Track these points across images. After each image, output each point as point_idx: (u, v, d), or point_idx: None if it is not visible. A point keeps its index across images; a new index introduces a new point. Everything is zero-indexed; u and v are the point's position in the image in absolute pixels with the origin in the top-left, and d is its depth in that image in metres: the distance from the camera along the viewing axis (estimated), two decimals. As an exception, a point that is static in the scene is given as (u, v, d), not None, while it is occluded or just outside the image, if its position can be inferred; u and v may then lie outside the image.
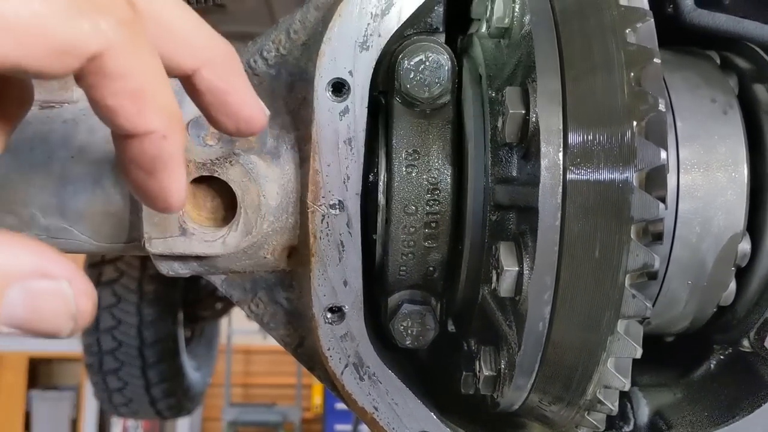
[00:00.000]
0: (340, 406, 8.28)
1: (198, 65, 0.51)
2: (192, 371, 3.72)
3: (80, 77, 0.43)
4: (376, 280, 0.82)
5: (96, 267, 3.28)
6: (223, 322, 5.40)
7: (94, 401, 7.13)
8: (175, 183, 0.50)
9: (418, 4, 0.72)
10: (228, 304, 3.89)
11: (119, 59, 0.42)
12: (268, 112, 0.56)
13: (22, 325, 0.40)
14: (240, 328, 8.43)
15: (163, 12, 0.48)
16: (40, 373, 8.87)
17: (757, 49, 0.80)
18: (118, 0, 0.42)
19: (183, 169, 0.50)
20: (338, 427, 8.50)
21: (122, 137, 0.47)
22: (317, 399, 9.01)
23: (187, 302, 3.62)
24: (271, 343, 0.89)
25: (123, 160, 0.49)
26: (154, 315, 3.30)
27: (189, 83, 0.52)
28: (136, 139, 0.46)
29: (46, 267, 0.40)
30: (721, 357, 0.87)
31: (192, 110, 0.76)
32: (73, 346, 3.50)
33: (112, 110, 0.44)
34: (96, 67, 0.42)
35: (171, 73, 0.50)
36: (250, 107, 0.54)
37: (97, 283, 3.26)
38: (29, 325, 0.41)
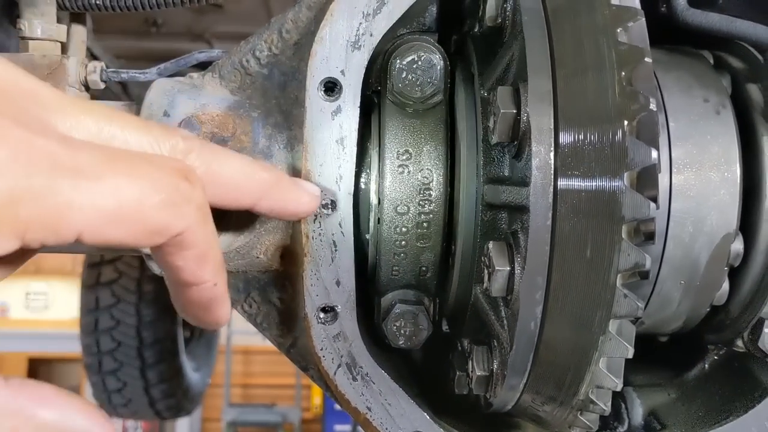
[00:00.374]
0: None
1: (254, 201, 0.63)
2: (191, 372, 3.71)
3: (157, 246, 0.53)
4: (369, 280, 0.81)
5: (95, 267, 3.28)
6: (223, 322, 5.39)
7: (93, 401, 7.10)
8: (223, 311, 0.63)
9: (410, 4, 0.72)
10: (227, 305, 3.87)
11: (193, 235, 0.53)
12: (318, 193, 0.70)
13: None
14: (239, 329, 8.42)
15: (222, 172, 0.60)
16: (39, 374, 8.87)
17: (750, 48, 0.80)
18: (196, 188, 0.53)
19: (228, 300, 0.63)
20: (338, 427, 8.50)
21: (181, 286, 0.58)
22: (317, 399, 9.01)
23: (186, 302, 3.61)
24: (271, 343, 0.89)
25: (181, 302, 0.61)
26: (153, 315, 3.29)
27: (253, 210, 0.65)
28: (194, 287, 0.58)
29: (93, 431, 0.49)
30: (715, 357, 0.87)
31: (184, 110, 0.76)
32: (73, 347, 3.50)
33: (180, 269, 0.56)
34: (174, 241, 0.52)
35: (235, 209, 0.63)
36: (303, 205, 0.68)
37: (96, 283, 3.26)
38: None
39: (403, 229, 0.75)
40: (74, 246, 0.50)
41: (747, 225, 0.75)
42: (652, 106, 0.59)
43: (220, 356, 5.06)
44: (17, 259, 0.53)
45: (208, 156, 0.59)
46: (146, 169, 0.50)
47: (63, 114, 0.51)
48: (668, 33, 0.79)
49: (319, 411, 8.92)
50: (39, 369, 8.88)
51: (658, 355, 0.92)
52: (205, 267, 0.56)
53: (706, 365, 0.88)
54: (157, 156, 0.55)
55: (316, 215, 0.73)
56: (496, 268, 0.66)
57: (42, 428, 0.47)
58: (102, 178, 0.47)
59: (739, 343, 0.82)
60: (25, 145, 0.45)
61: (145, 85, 0.91)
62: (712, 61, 0.81)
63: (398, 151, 0.74)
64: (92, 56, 1.92)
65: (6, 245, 0.45)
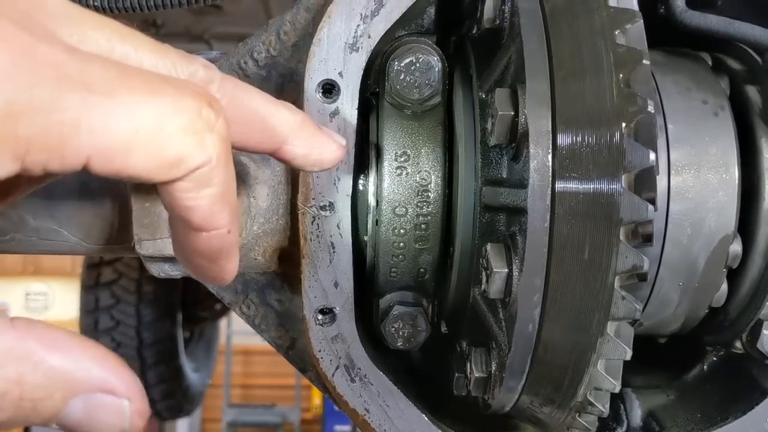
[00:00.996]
0: (340, 407, 8.26)
1: (277, 145, 0.57)
2: (191, 372, 3.71)
3: (170, 181, 0.46)
4: (367, 282, 0.81)
5: (94, 268, 3.28)
6: (223, 323, 5.40)
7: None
8: (231, 265, 0.56)
9: (408, 5, 0.72)
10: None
11: (213, 171, 0.46)
12: (344, 143, 0.62)
13: (73, 428, 0.43)
14: (239, 329, 8.43)
15: (245, 107, 0.53)
16: (39, 374, 8.86)
17: (749, 50, 0.80)
18: (220, 117, 0.46)
19: (237, 252, 0.56)
20: (337, 427, 8.49)
21: (190, 231, 0.51)
22: (317, 400, 9.01)
23: (186, 303, 3.62)
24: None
25: (187, 250, 0.53)
26: (153, 316, 3.29)
27: (275, 155, 0.58)
28: (203, 234, 0.51)
29: (111, 383, 0.43)
30: (714, 359, 0.87)
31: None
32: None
33: (191, 209, 0.48)
34: (192, 176, 0.46)
35: (256, 152, 0.56)
36: (329, 154, 0.60)
37: (96, 284, 3.26)
38: (80, 429, 0.43)
39: (402, 231, 0.75)
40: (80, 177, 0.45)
41: (745, 226, 0.75)
42: (650, 108, 0.59)
43: (220, 357, 5.05)
44: (14, 188, 0.48)
45: (231, 89, 0.52)
46: (166, 90, 0.44)
47: (71, 25, 0.45)
48: (666, 34, 0.79)
49: (319, 411, 8.92)
50: None
51: (656, 356, 0.92)
52: (221, 211, 0.49)
53: (705, 367, 0.88)
54: (177, 78, 0.48)
55: (314, 217, 0.73)
56: (494, 270, 0.66)
57: (51, 376, 0.41)
58: (115, 96, 0.41)
59: (738, 344, 0.82)
60: (28, 51, 0.39)
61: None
62: (710, 63, 0.81)
63: (396, 152, 0.74)
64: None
65: (3, 168, 0.39)
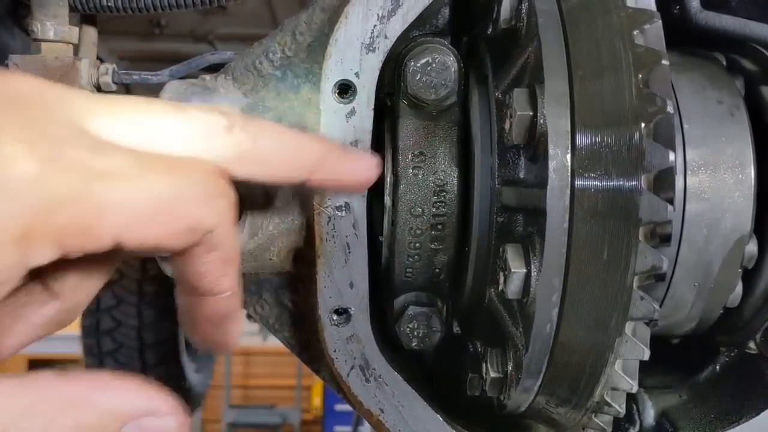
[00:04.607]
0: (340, 407, 8.26)
1: (306, 175, 0.59)
2: (192, 373, 3.71)
3: (184, 250, 0.51)
4: (382, 282, 0.81)
5: (96, 268, 3.27)
6: (223, 323, 5.39)
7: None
8: (235, 328, 0.59)
9: (424, 6, 0.72)
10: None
11: (223, 234, 0.52)
12: (376, 161, 0.64)
13: None
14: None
15: (269, 146, 0.56)
16: (39, 375, 8.84)
17: (764, 50, 0.80)
18: (228, 186, 0.52)
19: (240, 319, 0.60)
20: (337, 428, 8.49)
21: (197, 298, 0.56)
22: (317, 400, 9.00)
23: (188, 303, 3.61)
24: (271, 344, 0.89)
25: (194, 317, 0.58)
26: (154, 316, 3.29)
27: (308, 185, 0.60)
28: (211, 299, 0.55)
29: (155, 407, 0.49)
30: (727, 359, 0.87)
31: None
32: (74, 349, 3.49)
33: (201, 275, 0.53)
34: (205, 239, 0.51)
35: (287, 184, 0.60)
36: (359, 175, 0.63)
37: (97, 284, 3.25)
38: None
39: (418, 231, 0.75)
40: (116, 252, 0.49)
41: (761, 227, 0.75)
42: (669, 109, 0.59)
43: (220, 357, 5.05)
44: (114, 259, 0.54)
45: (253, 128, 0.56)
46: (180, 166, 0.49)
47: (92, 117, 0.49)
48: (681, 35, 0.79)
49: (319, 412, 8.91)
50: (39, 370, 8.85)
51: (669, 357, 0.92)
52: (227, 273, 0.54)
53: (718, 367, 0.88)
54: (190, 158, 0.53)
55: (329, 217, 0.73)
56: (512, 270, 0.66)
57: (104, 413, 0.46)
58: (134, 178, 0.47)
59: (752, 345, 0.82)
60: (55, 156, 0.44)
61: (151, 87, 0.91)
62: (725, 64, 0.81)
63: (412, 153, 0.74)
64: (97, 57, 1.92)
65: (45, 254, 0.44)
